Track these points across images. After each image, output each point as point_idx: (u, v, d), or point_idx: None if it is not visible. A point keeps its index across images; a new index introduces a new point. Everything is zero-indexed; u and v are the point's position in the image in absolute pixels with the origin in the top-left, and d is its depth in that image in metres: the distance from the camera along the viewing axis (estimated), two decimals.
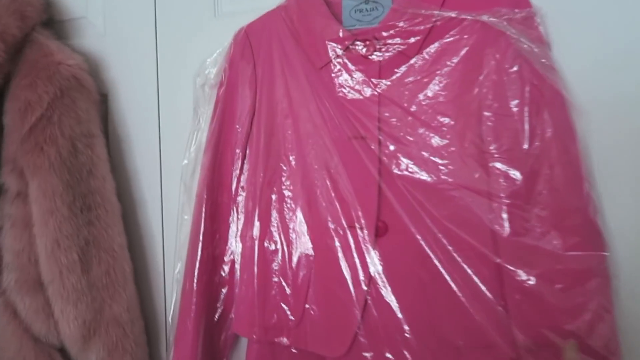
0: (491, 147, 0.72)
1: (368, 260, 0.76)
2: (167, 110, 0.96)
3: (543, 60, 0.68)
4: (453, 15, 0.74)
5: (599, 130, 0.68)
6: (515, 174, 0.70)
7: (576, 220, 0.68)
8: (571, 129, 0.69)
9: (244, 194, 0.85)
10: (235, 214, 0.85)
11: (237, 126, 0.86)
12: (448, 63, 0.75)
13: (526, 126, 0.70)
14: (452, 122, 0.74)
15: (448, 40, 0.75)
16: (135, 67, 0.99)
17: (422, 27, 0.75)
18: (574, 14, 0.71)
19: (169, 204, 0.96)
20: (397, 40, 0.77)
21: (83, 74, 0.92)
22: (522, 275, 0.69)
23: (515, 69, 0.70)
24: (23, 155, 0.85)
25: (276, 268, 0.82)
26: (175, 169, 0.93)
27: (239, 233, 0.84)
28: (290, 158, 0.83)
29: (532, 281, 0.68)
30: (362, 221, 0.77)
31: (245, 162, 0.86)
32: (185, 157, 0.87)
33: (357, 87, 0.79)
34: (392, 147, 0.77)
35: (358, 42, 0.79)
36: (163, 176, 0.97)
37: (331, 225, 0.79)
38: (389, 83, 0.77)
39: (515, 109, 0.70)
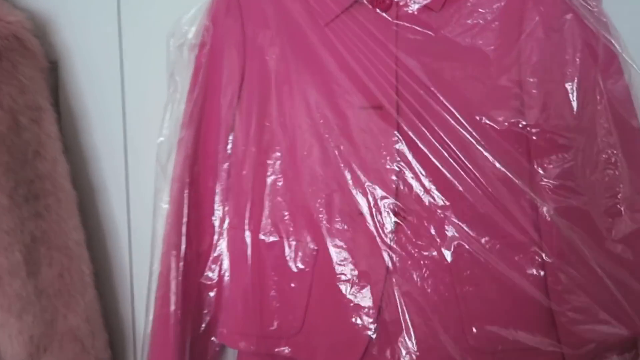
0: (535, 120, 0.61)
1: (388, 249, 0.64)
2: (133, 79, 0.81)
3: (597, 14, 0.58)
4: None
5: None
6: (565, 152, 0.60)
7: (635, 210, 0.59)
8: (630, 95, 0.59)
9: (232, 177, 0.71)
10: (224, 201, 0.71)
11: (224, 96, 0.71)
12: (481, 21, 0.64)
13: (578, 95, 0.60)
14: (486, 91, 0.63)
15: None
16: (92, 29, 0.82)
17: None
18: None
19: (136, 191, 0.82)
20: None
21: (27, 34, 0.74)
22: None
23: (564, 25, 0.60)
24: None
25: (274, 265, 0.69)
26: (143, 149, 0.79)
27: (228, 224, 0.70)
28: (289, 134, 0.70)
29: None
30: (379, 207, 0.65)
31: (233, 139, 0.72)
32: (161, 134, 0.72)
33: (371, 47, 0.66)
34: (412, 119, 0.65)
35: None
36: (129, 158, 0.82)
37: (341, 209, 0.67)
38: (409, 44, 0.65)
39: (564, 75, 0.60)
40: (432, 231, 0.64)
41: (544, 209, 0.61)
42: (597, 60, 0.59)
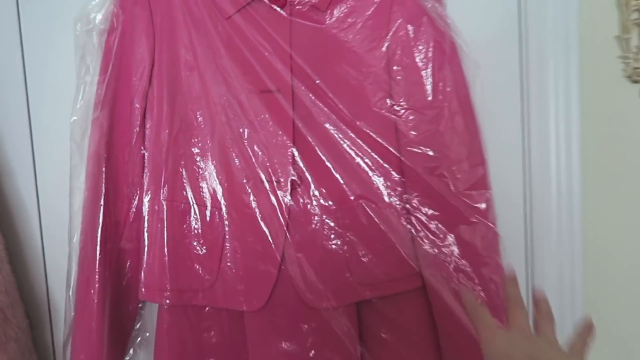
0: (400, 100, 0.77)
1: (286, 210, 0.77)
2: (35, 63, 0.84)
3: (444, 18, 0.76)
4: None
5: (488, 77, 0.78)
6: (422, 124, 0.77)
7: (471, 166, 0.78)
8: (466, 82, 0.77)
9: (147, 153, 0.79)
10: (140, 174, 0.78)
11: (135, 79, 0.78)
12: (358, 20, 0.78)
13: (430, 80, 0.77)
14: (363, 77, 0.78)
15: None
16: None
17: None
18: None
19: (43, 171, 0.85)
20: None
21: None
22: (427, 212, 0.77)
23: (420, 26, 0.76)
24: None
25: (188, 229, 0.78)
26: (48, 129, 0.84)
27: (145, 195, 0.78)
28: (198, 114, 0.79)
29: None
30: (278, 175, 0.77)
31: (145, 118, 0.79)
32: (74, 114, 0.77)
33: (268, 38, 0.77)
34: (304, 101, 0.77)
35: None
36: (34, 138, 0.85)
37: (245, 181, 0.78)
38: (301, 36, 0.77)
39: (420, 64, 0.77)
40: (322, 193, 0.77)
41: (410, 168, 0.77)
42: (445, 52, 0.77)
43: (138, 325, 0.81)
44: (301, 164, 0.78)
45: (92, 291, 0.74)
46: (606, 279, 0.87)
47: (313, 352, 0.78)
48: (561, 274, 0.83)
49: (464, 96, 0.78)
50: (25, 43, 0.83)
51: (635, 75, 0.84)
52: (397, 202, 0.78)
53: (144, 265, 0.78)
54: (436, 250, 0.76)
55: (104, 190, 0.75)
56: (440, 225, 0.77)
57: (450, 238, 0.77)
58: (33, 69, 0.84)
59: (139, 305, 0.81)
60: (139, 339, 0.80)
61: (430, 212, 0.77)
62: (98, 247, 0.74)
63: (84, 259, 0.75)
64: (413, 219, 0.78)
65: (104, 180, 0.75)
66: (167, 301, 0.77)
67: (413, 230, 0.78)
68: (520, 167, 0.84)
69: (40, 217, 0.85)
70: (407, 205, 0.78)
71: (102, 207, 0.75)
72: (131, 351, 0.81)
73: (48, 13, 0.83)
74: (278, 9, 0.77)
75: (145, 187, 0.78)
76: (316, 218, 0.78)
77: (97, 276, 0.74)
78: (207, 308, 0.80)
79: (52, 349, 0.85)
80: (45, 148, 0.84)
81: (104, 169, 0.75)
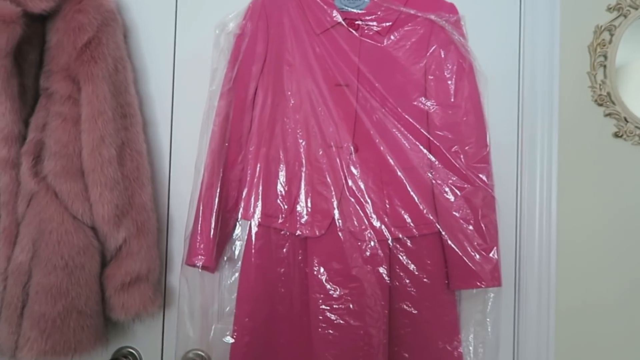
0: (431, 100, 1.13)
1: (346, 168, 1.11)
2: (184, 49, 1.22)
3: (465, 46, 1.12)
4: (412, 12, 1.15)
5: (494, 91, 1.14)
6: (446, 117, 1.12)
7: (479, 152, 1.12)
8: (478, 91, 1.13)
9: (254, 117, 1.15)
10: (247, 130, 1.15)
11: (253, 67, 1.15)
12: (407, 43, 1.15)
13: (453, 87, 1.12)
14: (406, 81, 1.14)
15: (407, 28, 1.15)
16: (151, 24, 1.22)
17: (392, 16, 1.14)
18: (480, 22, 1.17)
19: (177, 131, 1.21)
20: (375, 23, 1.15)
21: (117, 10, 1.12)
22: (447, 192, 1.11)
23: (449, 51, 1.13)
24: (80, 65, 1.03)
25: (275, 173, 1.13)
26: (186, 99, 1.20)
27: (250, 146, 1.14)
28: (290, 97, 1.15)
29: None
30: (342, 143, 1.12)
31: (256, 94, 1.16)
32: (212, 85, 1.13)
33: (345, 50, 1.14)
34: (365, 93, 1.13)
35: (348, 19, 1.15)
36: (175, 101, 1.21)
37: (320, 144, 1.12)
38: (366, 51, 1.14)
39: (447, 75, 1.12)
40: (374, 156, 1.12)
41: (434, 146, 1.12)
42: (464, 69, 1.12)
43: (234, 235, 1.15)
44: (359, 137, 1.12)
45: (212, 204, 1.08)
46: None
47: (355, 270, 1.10)
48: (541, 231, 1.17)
49: (475, 100, 1.13)
50: (178, 36, 1.22)
51: (599, 100, 1.19)
52: (425, 168, 1.12)
53: (244, 194, 1.13)
54: (452, 201, 1.09)
55: (227, 136, 1.11)
56: (454, 187, 1.11)
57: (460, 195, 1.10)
58: (181, 54, 1.21)
59: (237, 221, 1.15)
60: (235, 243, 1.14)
61: (448, 176, 1.11)
62: (221, 175, 1.09)
63: (208, 183, 1.10)
64: (435, 180, 1.12)
65: (228, 132, 1.11)
66: (259, 220, 1.11)
67: (435, 188, 1.12)
68: (515, 151, 1.19)
69: (171, 158, 1.20)
70: (432, 171, 1.12)
71: (226, 147, 1.10)
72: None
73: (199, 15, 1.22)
74: (353, 32, 1.14)
75: (251, 142, 1.14)
76: (369, 173, 1.12)
77: (217, 195, 1.08)
78: (282, 231, 1.13)
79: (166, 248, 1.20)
80: (181, 112, 1.21)
81: (228, 122, 1.11)
